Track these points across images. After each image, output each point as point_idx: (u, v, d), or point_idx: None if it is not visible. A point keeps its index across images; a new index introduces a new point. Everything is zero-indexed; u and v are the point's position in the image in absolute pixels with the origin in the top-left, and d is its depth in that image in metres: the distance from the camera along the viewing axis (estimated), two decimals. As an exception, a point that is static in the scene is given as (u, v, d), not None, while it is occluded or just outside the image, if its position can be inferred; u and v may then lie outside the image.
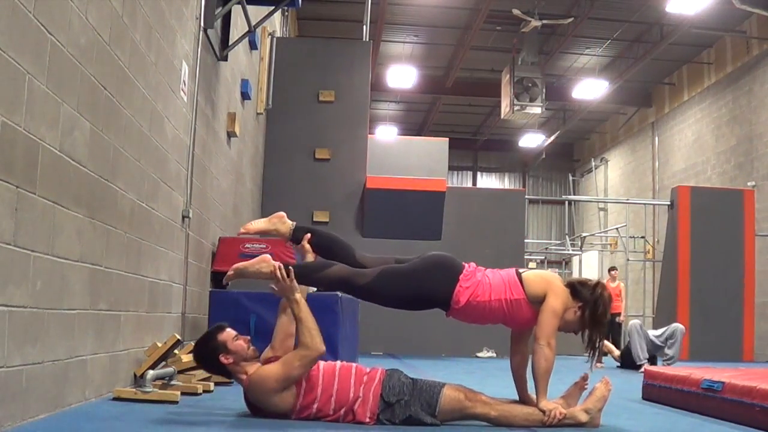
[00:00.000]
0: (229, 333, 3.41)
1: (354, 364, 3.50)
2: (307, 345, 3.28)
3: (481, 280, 3.40)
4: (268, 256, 3.48)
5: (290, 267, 3.39)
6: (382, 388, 3.33)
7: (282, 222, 3.59)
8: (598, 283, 3.51)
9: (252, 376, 3.33)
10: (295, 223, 3.63)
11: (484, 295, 3.37)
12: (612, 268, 14.79)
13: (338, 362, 3.51)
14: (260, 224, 3.62)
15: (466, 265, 3.48)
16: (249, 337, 3.45)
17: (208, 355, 3.42)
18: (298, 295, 3.35)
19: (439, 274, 3.41)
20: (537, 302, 3.40)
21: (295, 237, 3.58)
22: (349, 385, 3.35)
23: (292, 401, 3.32)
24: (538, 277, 3.47)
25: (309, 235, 3.57)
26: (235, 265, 3.50)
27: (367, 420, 3.29)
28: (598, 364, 3.71)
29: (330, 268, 3.45)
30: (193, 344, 4.96)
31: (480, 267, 3.50)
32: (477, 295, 3.37)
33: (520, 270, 3.49)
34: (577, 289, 3.46)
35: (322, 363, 3.45)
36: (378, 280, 3.39)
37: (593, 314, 3.43)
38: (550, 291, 3.39)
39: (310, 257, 3.56)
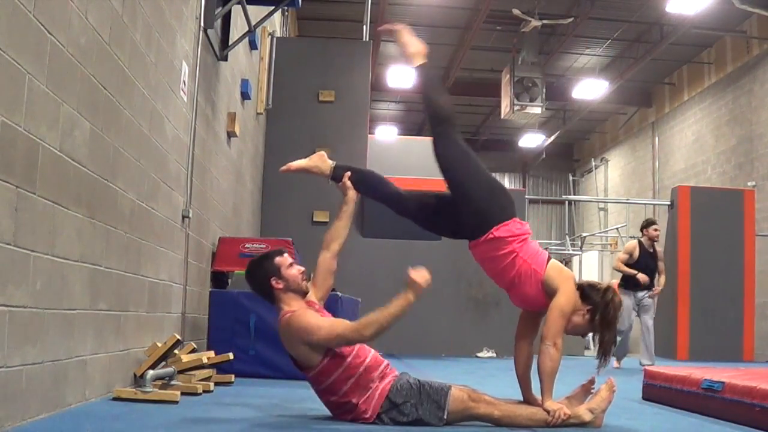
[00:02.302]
0: (286, 259, 3.43)
1: (386, 360, 3.46)
2: (361, 332, 3.20)
3: (526, 235, 3.45)
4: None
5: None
6: (390, 388, 3.32)
7: (322, 161, 3.66)
8: (608, 287, 3.51)
9: (290, 318, 3.29)
10: (335, 162, 3.68)
11: (518, 246, 3.40)
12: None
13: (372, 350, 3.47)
14: (301, 163, 3.69)
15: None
16: (304, 269, 3.45)
17: (260, 275, 3.42)
18: (351, 193, 3.54)
19: (503, 200, 3.52)
20: (547, 289, 3.40)
21: (336, 175, 3.66)
22: (373, 376, 3.33)
23: (316, 361, 3.28)
24: (559, 269, 3.48)
25: (349, 173, 3.64)
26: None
27: (368, 416, 3.28)
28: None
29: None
30: (192, 345, 4.97)
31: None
32: (512, 240, 3.40)
33: (551, 257, 3.52)
34: (586, 292, 3.47)
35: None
36: (455, 161, 3.51)
37: (604, 318, 3.44)
38: (561, 288, 3.39)
39: (352, 194, 3.63)
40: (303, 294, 3.43)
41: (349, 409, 3.30)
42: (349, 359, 3.31)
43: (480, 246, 3.46)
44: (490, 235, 3.41)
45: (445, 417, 3.28)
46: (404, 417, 3.27)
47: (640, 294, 8.90)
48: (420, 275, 3.23)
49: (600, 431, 3.43)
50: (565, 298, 3.38)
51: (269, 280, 3.39)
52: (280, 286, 3.37)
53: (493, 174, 3.69)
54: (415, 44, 3.78)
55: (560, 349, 3.37)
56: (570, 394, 3.54)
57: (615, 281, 14.58)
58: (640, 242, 9.05)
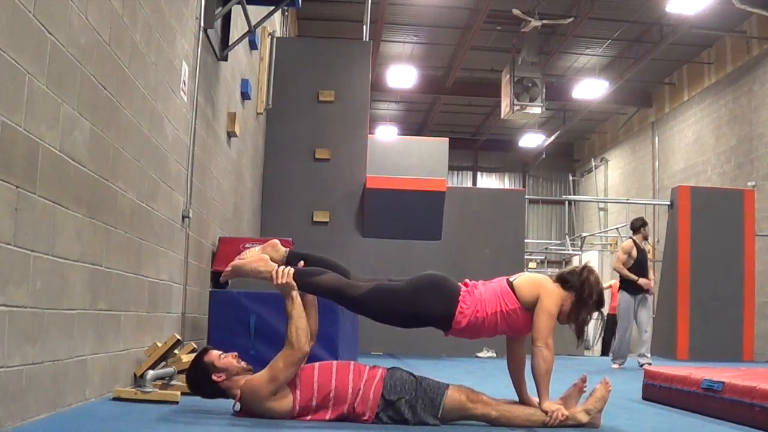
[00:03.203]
0: (214, 353, 3.45)
1: (352, 362, 3.50)
2: (291, 344, 3.30)
3: (479, 298, 3.42)
4: (266, 256, 3.50)
5: (290, 269, 3.41)
6: (383, 386, 3.33)
7: (275, 250, 3.59)
8: (584, 267, 3.53)
9: (242, 386, 3.35)
10: (288, 249, 3.64)
11: (482, 312, 3.39)
12: None
13: (335, 362, 3.52)
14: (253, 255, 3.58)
15: (462, 285, 3.48)
16: (236, 353, 3.47)
17: (201, 379, 3.44)
18: (294, 293, 3.38)
19: (436, 294, 3.43)
20: (532, 307, 3.41)
21: (289, 263, 3.57)
22: (347, 380, 3.35)
23: (289, 405, 3.32)
24: (528, 281, 3.48)
25: (302, 262, 3.57)
26: (233, 263, 3.53)
27: (366, 417, 3.30)
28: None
29: (325, 275, 3.47)
30: (192, 345, 4.97)
31: (474, 282, 3.51)
32: (477, 315, 3.39)
33: (511, 278, 3.50)
34: (566, 279, 3.50)
35: (317, 363, 3.46)
36: (371, 293, 3.42)
37: (580, 296, 3.46)
38: (542, 293, 3.42)
39: (310, 297, 3.57)
40: (245, 371, 3.43)
41: (346, 416, 3.34)
42: (315, 382, 3.34)
43: (455, 335, 3.51)
44: (455, 330, 3.45)
45: (439, 415, 3.29)
46: (399, 415, 3.29)
47: (640, 295, 8.96)
48: (279, 278, 3.32)
49: (600, 431, 3.43)
50: (548, 299, 3.41)
51: (211, 380, 3.40)
52: (223, 377, 3.40)
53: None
54: (261, 258, 3.49)
55: (552, 349, 3.38)
56: (563, 395, 3.54)
57: (614, 282, 14.59)
58: (634, 241, 9.15)
